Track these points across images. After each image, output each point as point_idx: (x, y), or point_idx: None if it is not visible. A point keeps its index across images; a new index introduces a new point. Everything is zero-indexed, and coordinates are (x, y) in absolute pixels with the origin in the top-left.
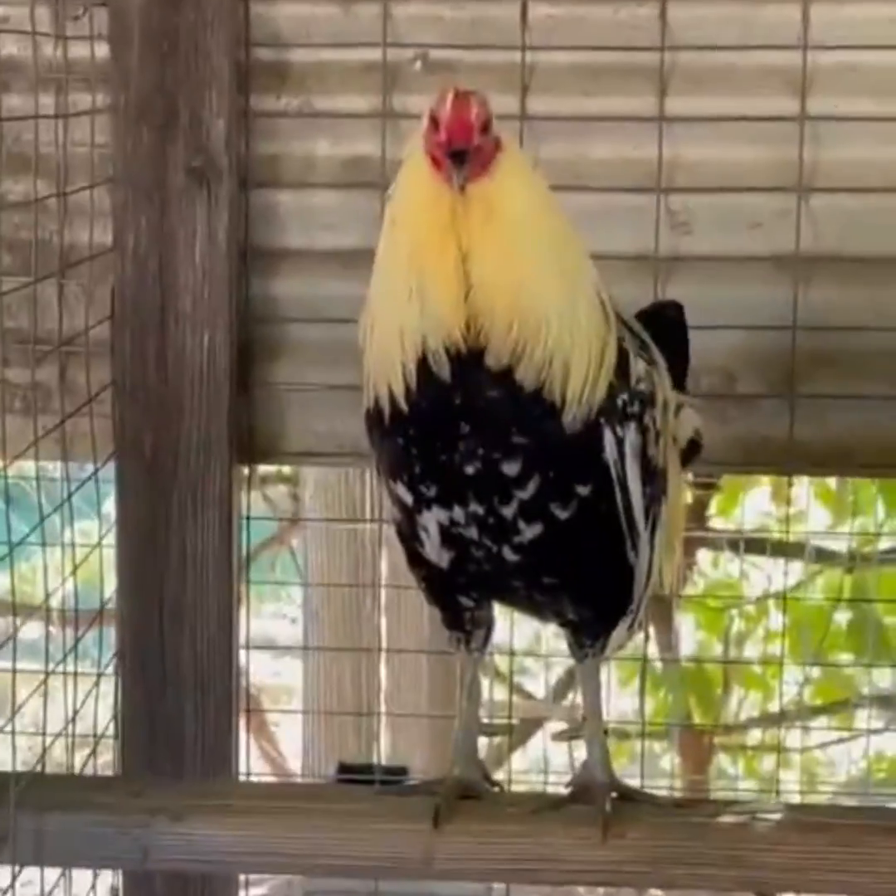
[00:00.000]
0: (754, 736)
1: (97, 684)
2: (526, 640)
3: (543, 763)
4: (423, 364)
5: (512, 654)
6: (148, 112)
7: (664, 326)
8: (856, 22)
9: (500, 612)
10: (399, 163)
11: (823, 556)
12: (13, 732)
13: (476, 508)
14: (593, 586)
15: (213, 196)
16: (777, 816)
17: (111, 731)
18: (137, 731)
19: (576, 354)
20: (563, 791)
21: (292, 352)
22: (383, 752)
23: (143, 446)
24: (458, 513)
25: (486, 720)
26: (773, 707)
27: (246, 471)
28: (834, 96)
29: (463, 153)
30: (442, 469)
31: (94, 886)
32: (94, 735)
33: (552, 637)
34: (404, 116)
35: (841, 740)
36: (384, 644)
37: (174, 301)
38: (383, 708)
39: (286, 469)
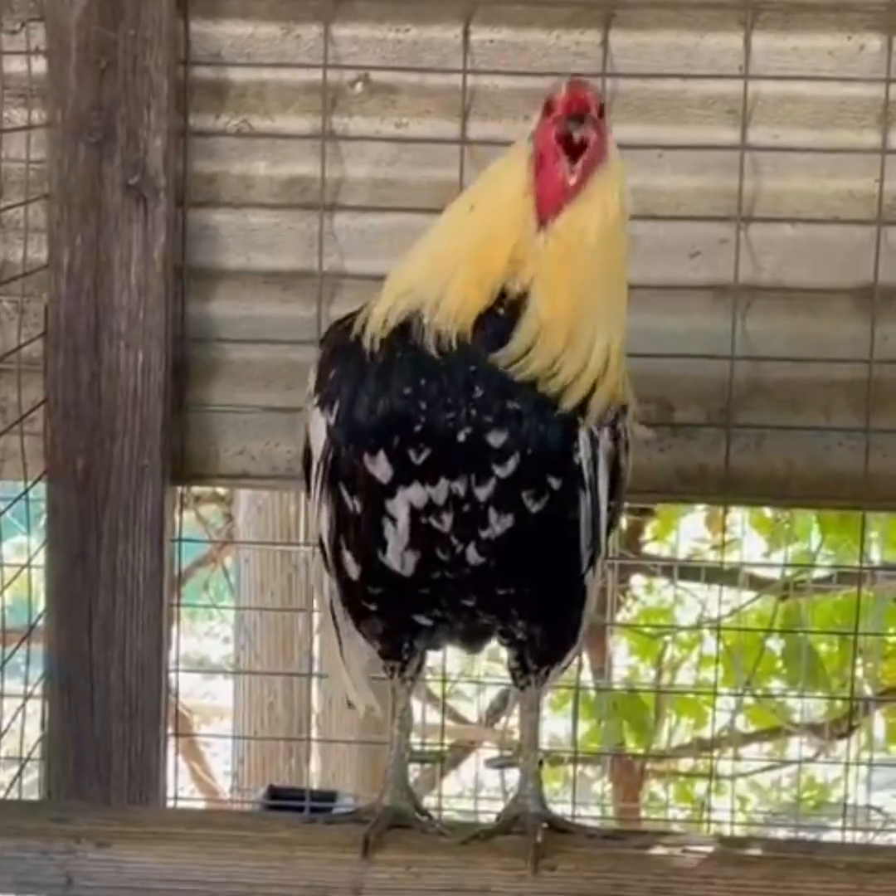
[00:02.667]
0: (686, 762)
1: (24, 705)
2: (459, 664)
3: (475, 787)
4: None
5: (444, 679)
6: (85, 129)
7: None
8: (797, 52)
9: None
10: (339, 183)
11: (758, 584)
12: None
13: (457, 486)
14: (547, 601)
15: (150, 215)
16: (708, 849)
17: (38, 752)
18: (64, 753)
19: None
20: (495, 821)
21: (228, 373)
22: (314, 776)
23: (75, 466)
24: (440, 489)
25: (417, 747)
26: (706, 734)
27: (179, 491)
28: (774, 126)
29: (581, 117)
30: (443, 429)
31: None
32: (20, 757)
33: (486, 660)
34: (344, 138)
35: (772, 767)
36: (316, 667)
37: (109, 320)
38: (314, 732)
39: (220, 489)
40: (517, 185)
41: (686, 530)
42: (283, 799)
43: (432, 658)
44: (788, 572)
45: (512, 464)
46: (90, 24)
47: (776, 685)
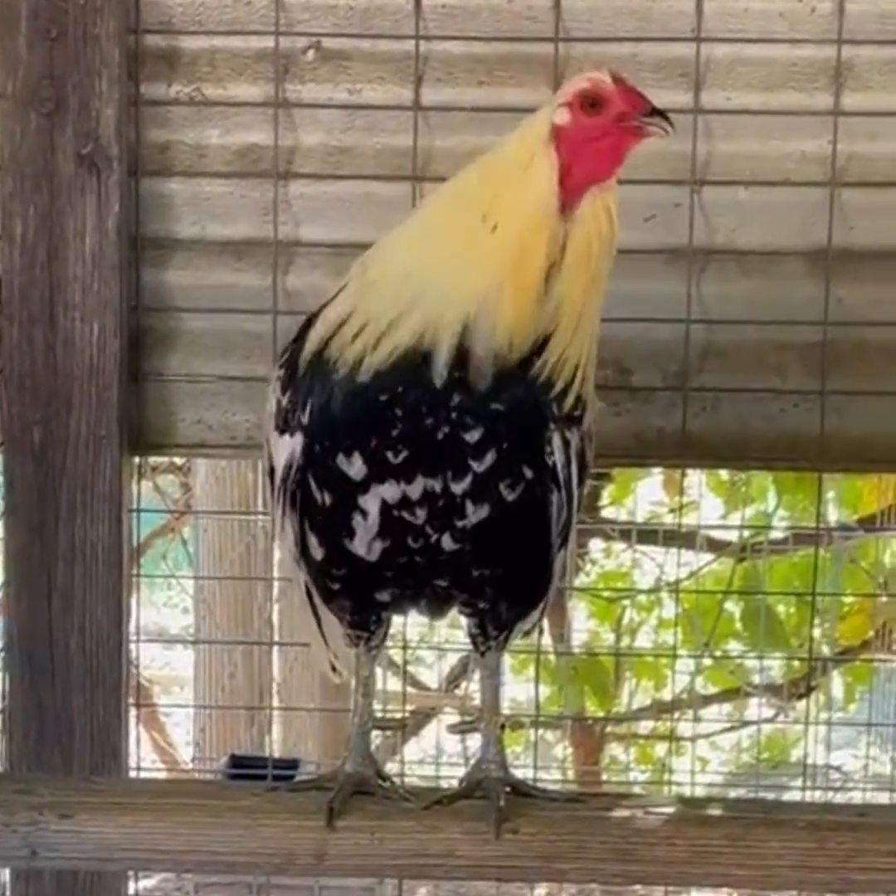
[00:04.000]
0: (647, 725)
1: None
2: (419, 630)
3: (437, 753)
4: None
5: (405, 646)
6: (36, 99)
7: None
8: (749, 14)
9: None
10: (292, 151)
11: (715, 546)
12: None
13: (433, 483)
14: (519, 578)
15: (103, 184)
16: (669, 810)
17: None
18: (25, 725)
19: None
20: (457, 786)
21: (184, 342)
22: (275, 744)
23: (32, 437)
24: (415, 487)
25: (379, 714)
26: (666, 696)
27: (137, 462)
28: (727, 89)
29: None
30: (422, 430)
31: None
32: None
33: (446, 627)
34: (297, 105)
35: (732, 728)
36: (276, 636)
37: (63, 291)
38: (275, 700)
39: (178, 459)
40: (544, 185)
41: (643, 494)
42: (245, 767)
43: (394, 625)
44: (746, 534)
45: (489, 459)
46: None
47: (735, 647)
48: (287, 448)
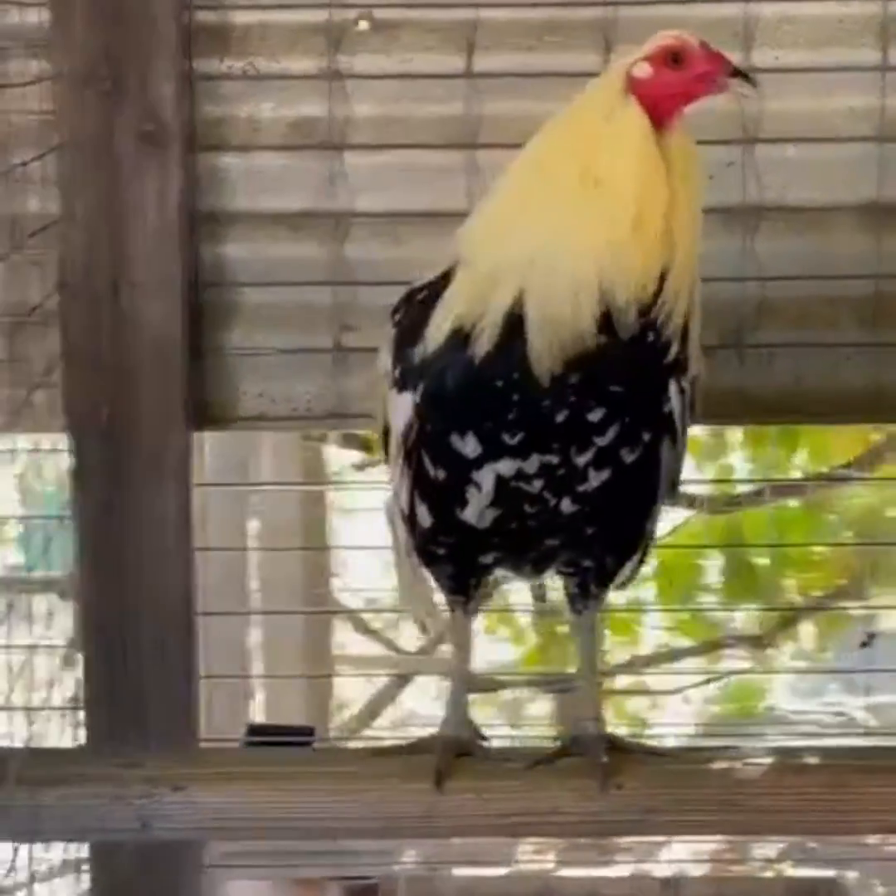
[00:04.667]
0: (623, 680)
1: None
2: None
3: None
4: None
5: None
6: (94, 78)
7: None
8: None
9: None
10: (345, 122)
11: (689, 501)
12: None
13: (552, 458)
14: (629, 531)
15: (163, 161)
16: (767, 761)
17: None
18: (99, 700)
19: (694, 310)
20: (555, 744)
21: (244, 316)
22: (259, 711)
23: (99, 416)
24: (531, 463)
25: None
26: (642, 651)
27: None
28: (775, 48)
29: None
30: (539, 415)
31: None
32: (67, 707)
33: None
34: (349, 76)
35: (708, 680)
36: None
37: (126, 269)
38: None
39: None
40: (637, 129)
41: None
42: (263, 735)
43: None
44: (720, 489)
45: (612, 433)
46: None
47: (711, 599)
48: (406, 405)
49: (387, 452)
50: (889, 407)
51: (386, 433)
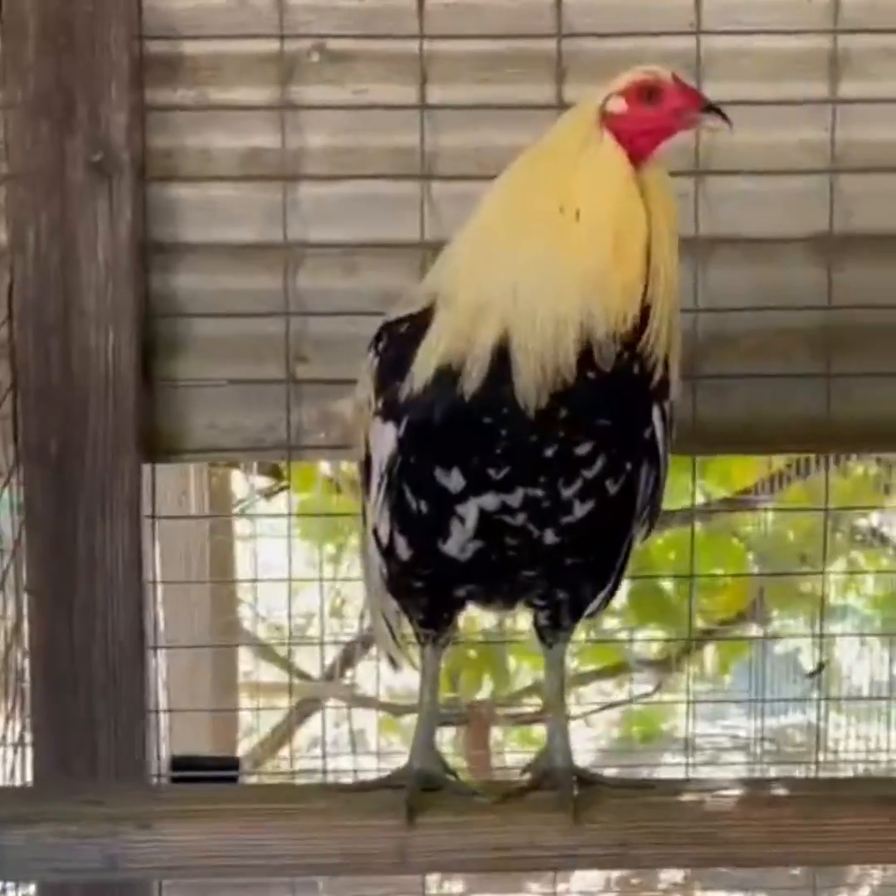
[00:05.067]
0: (530, 704)
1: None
2: (297, 622)
3: (323, 742)
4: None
5: (289, 639)
6: (46, 107)
7: None
8: (746, 7)
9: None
10: (298, 153)
11: None
12: None
13: (537, 491)
14: (606, 562)
15: (115, 191)
16: (737, 792)
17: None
18: (50, 734)
19: (675, 335)
20: (523, 777)
21: (194, 347)
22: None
23: (49, 448)
24: (516, 496)
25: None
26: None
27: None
28: (728, 80)
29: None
30: (526, 450)
31: None
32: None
33: (329, 618)
34: (302, 107)
35: (612, 705)
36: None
37: (77, 299)
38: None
39: None
40: (611, 165)
41: None
42: (188, 767)
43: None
44: None
45: (599, 464)
46: (47, 1)
47: (614, 624)
48: (389, 436)
49: (366, 483)
50: (840, 437)
51: (366, 463)
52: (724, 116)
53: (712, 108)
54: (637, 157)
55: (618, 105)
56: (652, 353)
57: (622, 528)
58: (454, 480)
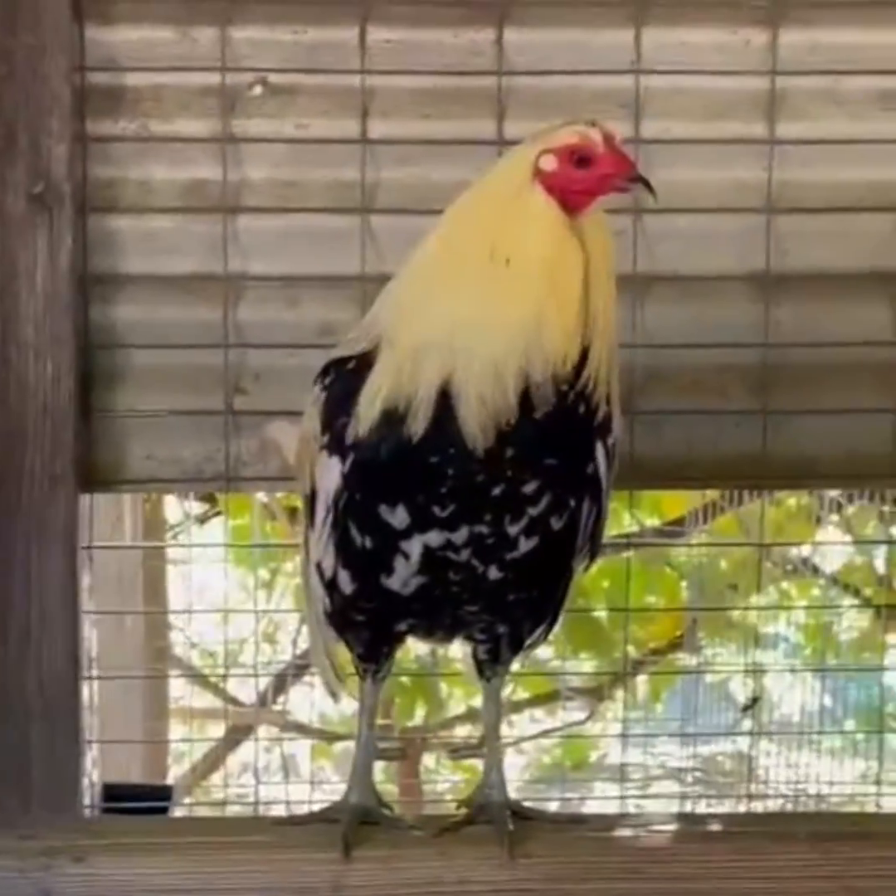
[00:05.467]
0: (461, 733)
1: None
2: (231, 647)
3: (255, 769)
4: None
5: (226, 665)
6: None
7: None
8: (685, 47)
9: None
10: (239, 185)
11: None
12: None
13: (482, 528)
14: (547, 596)
15: (55, 222)
16: (671, 827)
17: None
18: None
19: (615, 372)
20: (460, 811)
21: (132, 378)
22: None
23: None
24: (460, 534)
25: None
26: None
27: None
28: (665, 119)
29: (642, 177)
30: (473, 489)
31: None
32: None
33: (262, 643)
34: (244, 140)
35: (546, 733)
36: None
37: (16, 329)
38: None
39: None
40: (543, 213)
41: None
42: (119, 795)
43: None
44: None
45: (544, 502)
46: None
47: (547, 652)
48: (335, 472)
49: (311, 515)
50: (776, 473)
51: (311, 496)
52: (650, 188)
53: (640, 180)
54: (571, 208)
55: (549, 163)
56: (594, 391)
57: (564, 563)
58: (399, 517)
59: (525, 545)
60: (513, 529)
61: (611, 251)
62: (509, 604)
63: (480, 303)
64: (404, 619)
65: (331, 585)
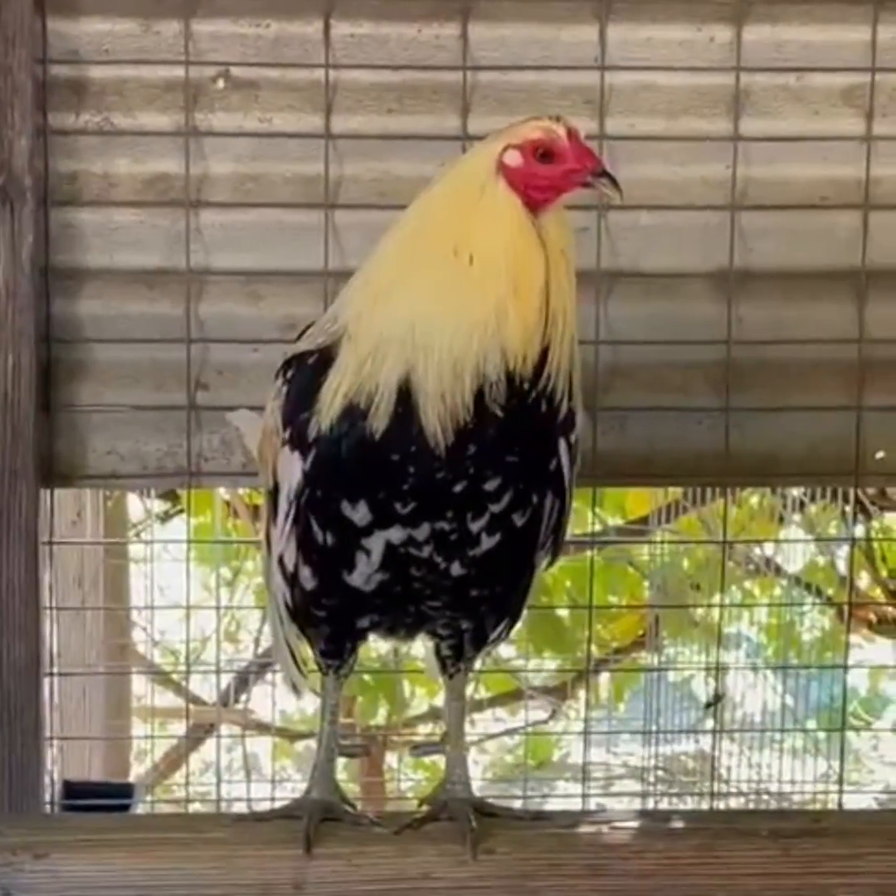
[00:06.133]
0: (424, 731)
1: None
2: (193, 645)
3: (217, 766)
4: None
5: (188, 664)
6: None
7: None
8: (650, 43)
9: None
10: (202, 179)
11: None
12: None
13: (444, 525)
14: (510, 592)
15: (16, 215)
16: (635, 824)
17: None
18: None
19: (576, 369)
20: (422, 808)
21: (95, 373)
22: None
23: None
24: (422, 530)
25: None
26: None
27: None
28: (630, 116)
29: (607, 172)
30: (434, 486)
31: None
32: None
33: (225, 642)
34: (207, 134)
35: (508, 732)
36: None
37: None
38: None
39: None
40: (507, 212)
41: None
42: (80, 793)
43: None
44: None
45: (506, 499)
46: None
47: (510, 651)
48: (296, 467)
49: (273, 510)
50: (738, 470)
51: (273, 491)
52: (615, 184)
53: (606, 175)
54: (534, 206)
55: (513, 158)
56: (555, 390)
57: (527, 559)
58: (360, 513)
59: (487, 542)
60: (475, 526)
61: (571, 249)
62: (472, 599)
63: (442, 299)
64: (366, 615)
65: (292, 581)
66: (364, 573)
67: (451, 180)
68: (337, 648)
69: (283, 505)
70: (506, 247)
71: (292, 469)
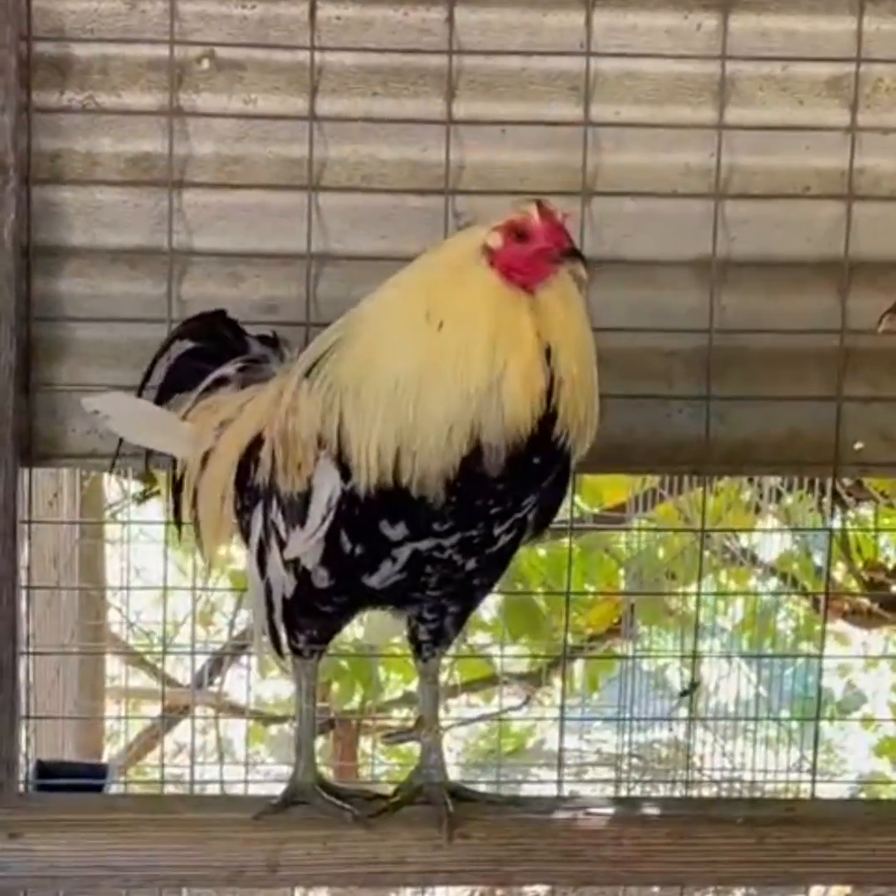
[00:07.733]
0: (399, 716)
1: None
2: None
3: (192, 749)
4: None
5: (165, 648)
6: None
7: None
8: (636, 30)
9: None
10: (186, 160)
11: None
12: None
13: (473, 533)
14: (501, 576)
15: None
16: (610, 811)
17: None
18: None
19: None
20: (397, 792)
21: (75, 352)
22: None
23: None
24: (451, 539)
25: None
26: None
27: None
28: (615, 103)
29: (576, 251)
30: (475, 511)
31: None
32: None
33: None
34: (191, 114)
35: (483, 718)
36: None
37: None
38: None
39: None
40: (484, 283)
41: None
42: (53, 773)
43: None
44: None
45: (530, 506)
46: None
47: (485, 637)
48: (334, 481)
49: (298, 513)
50: (718, 459)
51: (303, 495)
52: (585, 263)
53: (574, 253)
54: (521, 283)
55: (495, 240)
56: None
57: (518, 544)
58: (398, 531)
59: (503, 540)
60: (499, 530)
61: (579, 320)
62: (472, 587)
63: (417, 362)
64: (370, 607)
65: (303, 579)
66: (384, 575)
67: (438, 255)
68: (329, 635)
69: (318, 510)
70: (480, 316)
71: (331, 482)
